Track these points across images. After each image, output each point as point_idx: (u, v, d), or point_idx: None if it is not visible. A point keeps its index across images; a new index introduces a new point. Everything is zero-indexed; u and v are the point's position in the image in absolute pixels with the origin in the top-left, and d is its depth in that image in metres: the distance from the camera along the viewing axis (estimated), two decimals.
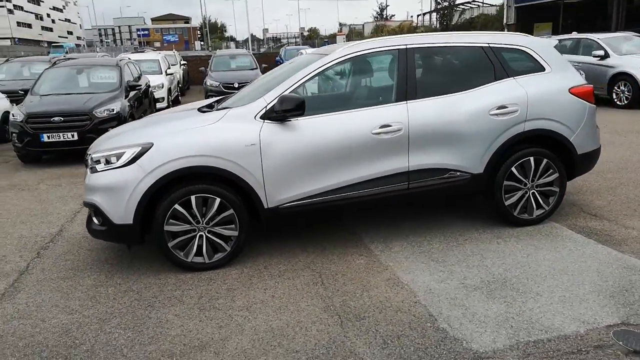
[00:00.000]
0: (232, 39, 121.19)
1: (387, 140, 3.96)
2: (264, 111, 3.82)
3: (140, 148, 3.66)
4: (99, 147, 3.92)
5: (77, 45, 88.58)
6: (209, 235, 3.82)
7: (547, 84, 4.32)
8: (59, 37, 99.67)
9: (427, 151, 4.08)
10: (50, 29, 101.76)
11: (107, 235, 3.83)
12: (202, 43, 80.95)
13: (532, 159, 4.31)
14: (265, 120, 3.81)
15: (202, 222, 3.78)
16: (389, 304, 3.27)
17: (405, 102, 4.05)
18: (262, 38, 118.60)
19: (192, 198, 3.72)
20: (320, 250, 4.16)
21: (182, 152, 3.65)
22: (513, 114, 4.17)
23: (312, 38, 72.01)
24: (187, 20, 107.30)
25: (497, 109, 4.15)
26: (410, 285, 3.51)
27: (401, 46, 4.17)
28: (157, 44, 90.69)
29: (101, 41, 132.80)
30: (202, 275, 3.79)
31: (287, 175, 3.82)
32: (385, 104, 4.07)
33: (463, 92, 4.16)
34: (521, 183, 4.35)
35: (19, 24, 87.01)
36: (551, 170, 4.38)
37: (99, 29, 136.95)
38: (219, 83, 14.00)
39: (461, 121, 4.08)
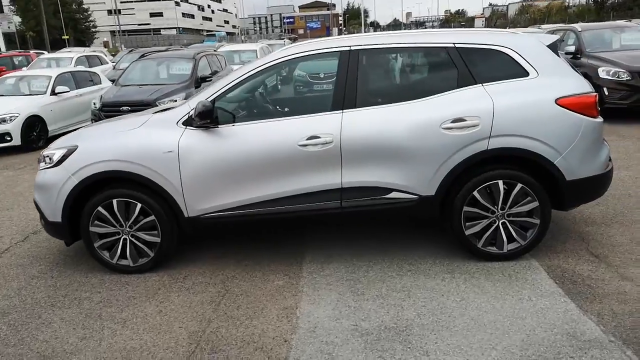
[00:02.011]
0: (373, 24, 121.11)
1: (316, 153, 3.56)
2: (186, 117, 3.70)
3: (66, 150, 3.80)
4: (50, 146, 4.15)
5: (230, 34, 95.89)
6: (132, 239, 3.84)
7: (526, 93, 3.50)
8: (216, 26, 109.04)
9: (364, 167, 3.59)
10: (210, 19, 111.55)
11: (47, 230, 4.06)
12: (343, 29, 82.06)
13: (501, 183, 3.56)
14: (188, 127, 3.68)
15: (126, 226, 3.81)
16: (257, 339, 2.97)
17: (341, 111, 3.60)
18: (404, 22, 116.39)
19: (114, 202, 3.76)
20: (252, 264, 3.95)
21: (101, 156, 3.70)
22: (473, 129, 3.47)
23: (449, 22, 68.63)
24: (330, 7, 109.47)
25: (451, 122, 3.48)
26: (301, 319, 3.15)
27: (344, 47, 3.69)
28: (301, 31, 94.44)
29: (254, 29, 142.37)
30: (123, 279, 3.83)
31: (208, 185, 3.66)
32: (319, 113, 3.66)
33: (411, 101, 3.57)
34: (487, 210, 3.63)
35: (183, 14, 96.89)
36: (529, 198, 3.57)
37: (253, 18, 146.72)
38: None
39: (404, 135, 3.51)
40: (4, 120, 9.16)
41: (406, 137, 3.50)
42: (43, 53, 22.27)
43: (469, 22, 57.89)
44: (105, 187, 3.78)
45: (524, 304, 3.14)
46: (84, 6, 71.09)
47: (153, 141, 3.68)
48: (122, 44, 71.68)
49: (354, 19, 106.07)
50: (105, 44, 71.70)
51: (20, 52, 21.45)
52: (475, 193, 3.58)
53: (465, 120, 3.47)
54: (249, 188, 3.66)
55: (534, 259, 3.73)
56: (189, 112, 3.69)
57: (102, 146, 3.75)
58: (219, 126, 3.64)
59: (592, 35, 10.04)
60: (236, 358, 2.81)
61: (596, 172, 3.60)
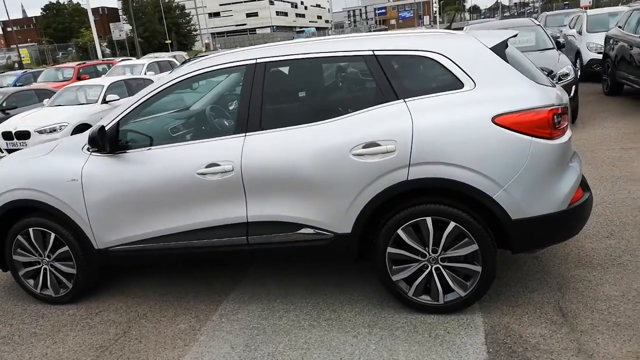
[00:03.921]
0: (471, 9, 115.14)
1: (216, 182, 3.14)
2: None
3: None
4: None
5: (322, 29, 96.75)
6: (52, 269, 3.69)
7: (456, 109, 2.78)
8: (309, 22, 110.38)
9: (271, 200, 3.09)
10: (303, 15, 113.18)
11: None
12: (436, 16, 79.01)
13: (429, 220, 2.88)
14: (92, 153, 3.43)
15: (44, 256, 3.68)
16: None
17: (243, 135, 3.13)
18: (508, 4, 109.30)
19: (30, 231, 3.63)
20: (171, 300, 3.62)
21: (11, 184, 3.57)
22: (388, 155, 2.82)
23: (552, 1, 62.99)
24: None
25: (362, 147, 2.86)
26: None
27: (249, 61, 3.20)
28: (392, 22, 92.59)
29: (349, 22, 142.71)
30: (43, 310, 3.70)
31: (112, 215, 3.39)
32: (221, 137, 3.22)
33: (319, 122, 3.00)
34: (416, 253, 2.96)
35: (277, 13, 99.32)
36: (466, 240, 2.86)
37: (348, 11, 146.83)
38: None
39: (309, 162, 2.95)
40: (54, 130, 9.72)
41: (311, 165, 2.95)
42: (131, 59, 23.79)
43: (574, 0, 52.66)
44: (27, 215, 3.67)
45: None
46: (185, 11, 75.58)
47: (58, 168, 3.48)
48: (219, 45, 75.32)
49: (450, 5, 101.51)
50: (207, 46, 75.82)
51: (103, 60, 23.07)
52: (400, 232, 2.93)
53: (378, 145, 2.84)
54: (152, 220, 3.33)
55: (481, 312, 3.00)
56: None
57: (12, 174, 3.63)
58: (119, 153, 3.34)
59: None
60: None
61: (555, 208, 2.77)
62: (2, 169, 3.76)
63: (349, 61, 3.17)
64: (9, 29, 67.66)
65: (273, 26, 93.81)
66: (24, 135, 9.66)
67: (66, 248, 3.59)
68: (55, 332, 3.38)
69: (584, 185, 2.97)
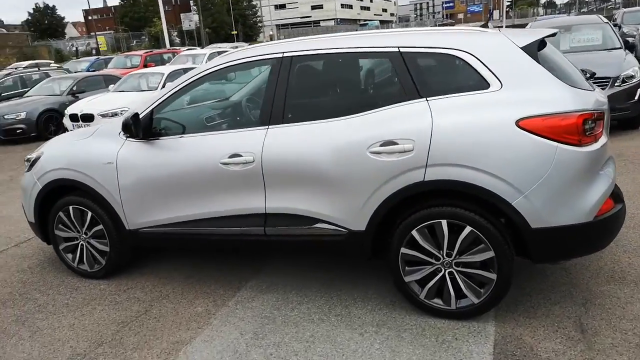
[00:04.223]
0: (547, 4, 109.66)
1: (238, 173, 3.21)
2: None
3: (36, 156, 4.01)
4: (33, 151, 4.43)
5: (386, 22, 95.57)
6: (88, 245, 3.92)
7: (479, 110, 2.68)
8: (374, 15, 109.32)
9: (289, 193, 3.13)
10: (368, 8, 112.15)
11: (32, 229, 4.35)
12: (508, 10, 75.81)
13: (444, 223, 2.81)
14: (128, 139, 3.61)
15: (82, 232, 3.91)
16: None
17: (266, 127, 3.18)
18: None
19: (70, 208, 3.87)
20: (194, 282, 3.75)
21: (55, 163, 3.82)
22: (405, 155, 2.77)
23: None
24: None
25: (380, 146, 2.83)
26: (178, 358, 2.87)
27: (276, 54, 3.23)
28: (460, 16, 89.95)
29: (415, 15, 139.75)
30: (78, 283, 3.92)
31: (142, 198, 3.56)
32: (245, 128, 3.28)
33: (341, 118, 2.98)
34: (430, 255, 2.90)
35: (342, 5, 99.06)
36: (482, 246, 2.76)
37: (415, 4, 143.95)
38: None
39: (327, 158, 2.96)
40: (115, 114, 10.24)
41: (329, 160, 2.95)
42: (195, 49, 24.60)
43: None
44: (68, 194, 3.92)
45: None
46: (253, 2, 77.04)
47: (96, 151, 3.68)
48: (283, 37, 76.11)
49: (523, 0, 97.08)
50: (271, 37, 76.79)
51: (169, 49, 23.96)
52: (415, 233, 2.88)
53: (396, 144, 2.79)
54: (178, 205, 3.47)
55: (494, 321, 2.90)
56: None
57: (57, 154, 3.88)
58: (151, 139, 3.49)
59: None
60: None
61: (579, 219, 2.61)
62: (50, 149, 4.02)
63: (375, 57, 3.13)
64: (90, 18, 71.90)
65: (337, 19, 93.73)
66: (88, 117, 10.25)
67: (101, 227, 3.80)
68: (84, 305, 3.60)
69: (616, 196, 2.78)
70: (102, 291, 3.78)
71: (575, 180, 2.59)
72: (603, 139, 2.73)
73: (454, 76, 2.85)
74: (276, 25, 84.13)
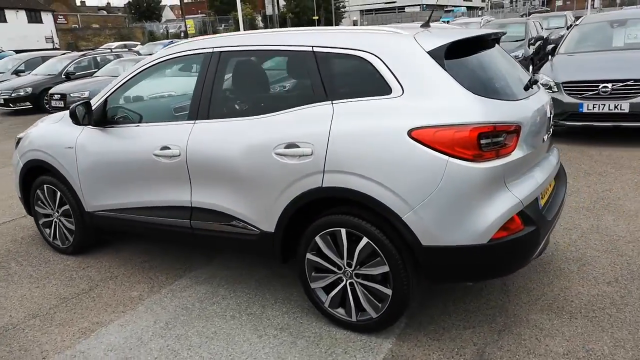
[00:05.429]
0: None
1: (167, 165, 3.28)
2: None
3: (23, 135, 4.34)
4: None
5: (473, 8, 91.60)
6: (60, 223, 4.20)
7: (375, 117, 2.52)
8: (463, 0, 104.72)
9: (210, 188, 3.15)
10: None
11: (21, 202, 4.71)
12: None
13: (343, 231, 2.70)
14: (87, 125, 3.80)
15: (54, 210, 4.20)
16: (31, 349, 2.98)
17: (193, 121, 3.21)
18: None
19: (45, 187, 4.16)
20: (139, 270, 3.88)
21: (33, 144, 4.12)
22: (305, 159, 2.69)
23: None
24: None
25: (284, 147, 2.76)
26: (86, 340, 3.00)
27: (208, 49, 3.23)
28: (559, 2, 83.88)
29: (510, 1, 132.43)
30: (53, 257, 4.21)
31: (95, 183, 3.75)
32: (177, 122, 3.34)
33: (255, 117, 2.94)
34: (332, 263, 2.80)
35: None
36: (378, 259, 2.63)
37: None
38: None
39: (238, 156, 2.94)
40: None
41: (240, 159, 2.94)
42: None
43: None
44: (44, 174, 4.21)
45: None
46: None
47: (61, 137, 3.91)
48: (367, 22, 75.31)
49: None
50: (355, 23, 76.33)
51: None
52: (318, 239, 2.80)
53: (298, 147, 2.71)
54: (120, 192, 3.63)
55: (395, 338, 2.75)
56: None
57: (36, 136, 4.17)
58: (107, 127, 3.65)
59: None
60: None
61: (472, 241, 2.39)
62: (33, 130, 4.34)
63: (290, 56, 3.03)
64: (185, 1, 75.41)
65: (423, 5, 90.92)
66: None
67: (67, 207, 4.06)
68: (44, 278, 3.87)
69: (527, 218, 2.50)
70: (66, 267, 4.04)
71: (468, 199, 2.37)
72: (517, 153, 2.48)
73: (360, 79, 2.69)
74: (360, 10, 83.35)
